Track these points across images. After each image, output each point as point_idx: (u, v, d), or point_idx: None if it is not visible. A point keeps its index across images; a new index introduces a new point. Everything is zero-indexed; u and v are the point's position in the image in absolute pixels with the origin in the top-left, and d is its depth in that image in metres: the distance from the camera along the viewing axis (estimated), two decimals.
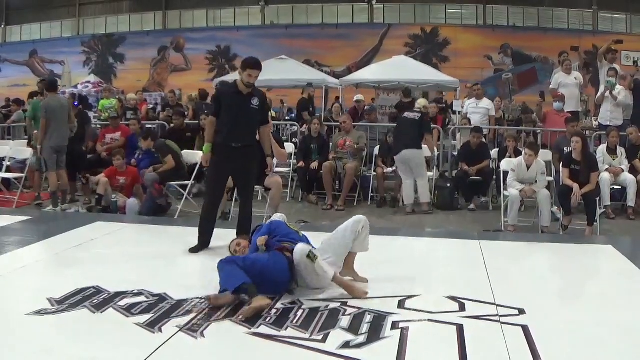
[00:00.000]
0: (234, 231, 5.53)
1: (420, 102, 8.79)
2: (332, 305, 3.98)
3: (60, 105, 8.25)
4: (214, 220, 5.70)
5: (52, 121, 7.98)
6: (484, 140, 9.18)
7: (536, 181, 7.21)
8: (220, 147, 5.50)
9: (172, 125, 9.96)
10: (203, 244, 5.51)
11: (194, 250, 5.45)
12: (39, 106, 8.36)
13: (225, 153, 5.48)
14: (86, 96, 15.44)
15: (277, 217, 5.00)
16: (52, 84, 8.60)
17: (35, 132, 8.80)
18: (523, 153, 7.47)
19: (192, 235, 5.60)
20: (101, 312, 3.81)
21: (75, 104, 9.81)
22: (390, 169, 8.76)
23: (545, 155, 8.38)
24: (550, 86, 10.41)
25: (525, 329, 3.60)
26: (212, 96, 6.62)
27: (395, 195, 8.82)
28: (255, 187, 7.29)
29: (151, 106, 17.49)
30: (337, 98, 15.57)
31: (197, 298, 4.05)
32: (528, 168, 7.25)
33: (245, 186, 5.81)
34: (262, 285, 4.01)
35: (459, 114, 10.94)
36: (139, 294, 4.16)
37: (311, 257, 4.08)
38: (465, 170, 8.55)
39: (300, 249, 4.11)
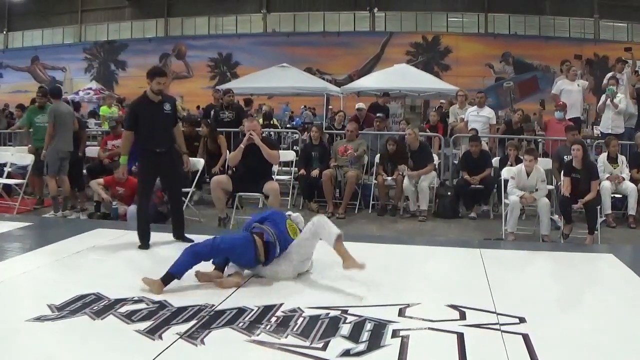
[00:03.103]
0: None
1: None
2: (333, 313, 3.97)
3: (67, 111, 8.33)
4: (149, 219, 6.14)
5: (59, 127, 8.06)
6: (485, 148, 9.18)
7: (537, 189, 7.21)
8: (146, 154, 5.93)
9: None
10: (146, 242, 5.93)
11: (142, 247, 5.88)
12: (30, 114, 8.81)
13: (151, 159, 5.93)
14: (79, 102, 15.45)
15: (293, 216, 5.31)
16: (56, 91, 8.63)
17: (30, 146, 8.92)
18: (523, 159, 7.47)
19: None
20: (101, 319, 3.81)
21: None
22: (390, 178, 8.74)
23: (547, 163, 8.38)
24: (552, 92, 10.35)
25: (525, 337, 3.60)
26: (126, 110, 7.08)
27: (395, 203, 8.81)
28: (255, 194, 7.35)
29: None
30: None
31: (198, 305, 4.05)
32: (528, 175, 7.24)
33: (174, 188, 6.31)
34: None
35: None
36: (140, 300, 4.16)
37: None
38: (466, 179, 8.55)
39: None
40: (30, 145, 9.06)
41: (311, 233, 4.77)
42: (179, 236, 6.11)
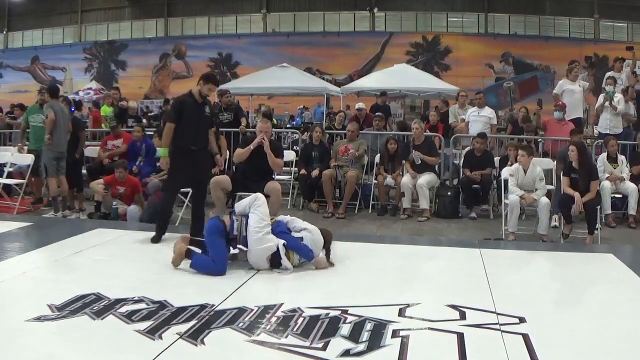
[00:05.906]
0: None
1: None
2: (333, 313, 3.97)
3: (62, 112, 8.26)
4: (170, 215, 6.46)
5: (56, 126, 7.99)
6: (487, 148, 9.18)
7: (536, 189, 7.20)
8: (182, 151, 6.10)
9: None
10: (161, 234, 6.17)
11: (154, 240, 6.10)
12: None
13: (186, 156, 6.11)
14: (80, 101, 15.44)
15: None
16: (54, 90, 8.57)
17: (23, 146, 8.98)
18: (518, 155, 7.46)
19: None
20: (101, 319, 3.80)
21: (72, 109, 9.80)
22: (389, 175, 8.74)
23: (547, 163, 8.37)
24: (554, 92, 10.33)
25: (525, 337, 3.60)
26: (172, 104, 7.20)
27: (395, 203, 8.81)
28: (255, 194, 7.34)
29: (153, 113, 17.54)
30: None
31: (198, 305, 4.05)
32: (525, 172, 7.23)
33: (201, 186, 6.46)
34: None
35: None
36: (140, 300, 4.16)
37: None
38: (469, 177, 8.54)
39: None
40: (20, 144, 9.13)
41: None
42: (197, 233, 6.06)
